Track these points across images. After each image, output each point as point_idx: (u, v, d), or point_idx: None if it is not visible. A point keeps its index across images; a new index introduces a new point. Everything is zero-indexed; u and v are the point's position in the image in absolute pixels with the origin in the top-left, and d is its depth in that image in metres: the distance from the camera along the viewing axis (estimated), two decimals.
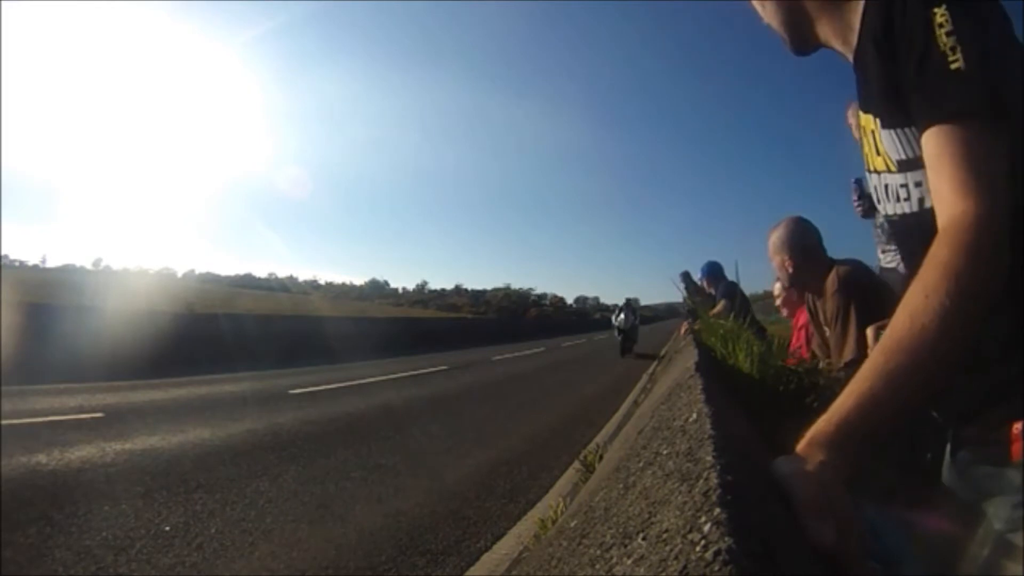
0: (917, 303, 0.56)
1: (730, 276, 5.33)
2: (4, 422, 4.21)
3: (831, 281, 2.10)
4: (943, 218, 0.59)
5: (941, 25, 0.59)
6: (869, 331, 0.83)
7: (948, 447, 0.77)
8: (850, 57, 0.77)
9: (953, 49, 0.58)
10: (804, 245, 2.25)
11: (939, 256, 0.57)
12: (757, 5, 0.89)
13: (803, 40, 0.85)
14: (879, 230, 2.87)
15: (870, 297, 1.97)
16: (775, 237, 2.30)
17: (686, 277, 5.46)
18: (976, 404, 0.68)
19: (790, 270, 2.28)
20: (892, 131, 0.68)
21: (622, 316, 14.19)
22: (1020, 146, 0.61)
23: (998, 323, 0.64)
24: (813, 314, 2.32)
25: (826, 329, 2.17)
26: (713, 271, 5.33)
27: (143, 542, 2.41)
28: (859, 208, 3.06)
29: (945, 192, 0.59)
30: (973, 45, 0.58)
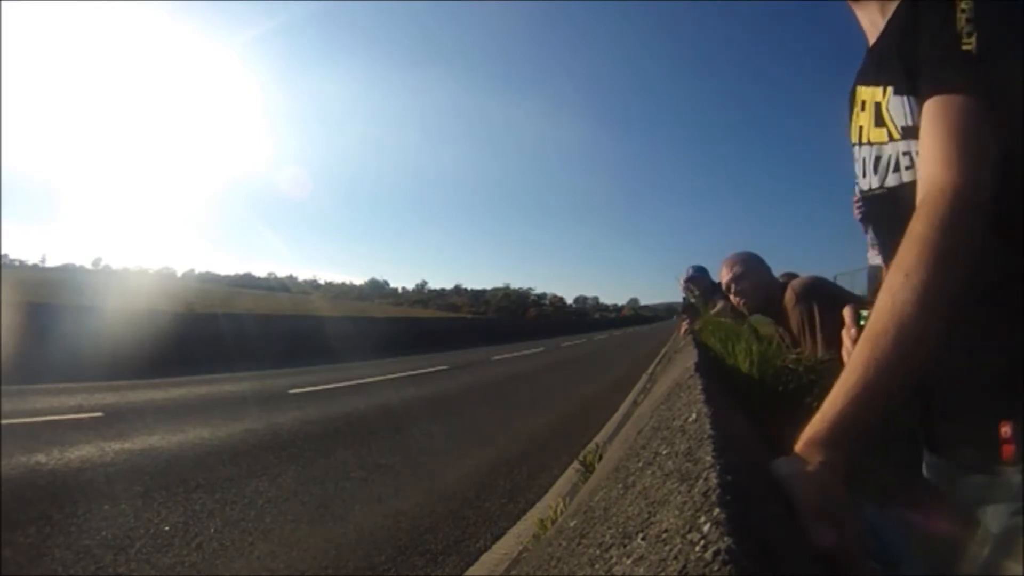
0: (897, 283, 0.56)
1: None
2: (4, 422, 4.21)
3: (788, 296, 2.18)
4: (923, 190, 0.60)
5: (963, 10, 0.61)
6: (846, 311, 0.82)
7: (926, 444, 0.76)
8: (872, 25, 0.78)
9: (969, 33, 0.60)
10: (752, 276, 2.39)
11: (916, 231, 0.57)
12: None
13: None
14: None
15: (829, 300, 2.07)
16: (724, 276, 2.44)
17: (699, 270, 5.42)
18: (960, 401, 0.68)
19: (743, 304, 2.42)
20: (904, 97, 0.69)
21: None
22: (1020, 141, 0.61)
23: (977, 319, 0.64)
24: (782, 336, 2.37)
25: (795, 348, 2.21)
26: (701, 274, 5.32)
27: (142, 542, 2.41)
28: (859, 210, 3.06)
29: (929, 162, 0.60)
30: (988, 33, 0.60)
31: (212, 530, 2.60)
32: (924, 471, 0.77)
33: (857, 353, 0.56)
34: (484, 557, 2.48)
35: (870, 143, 0.77)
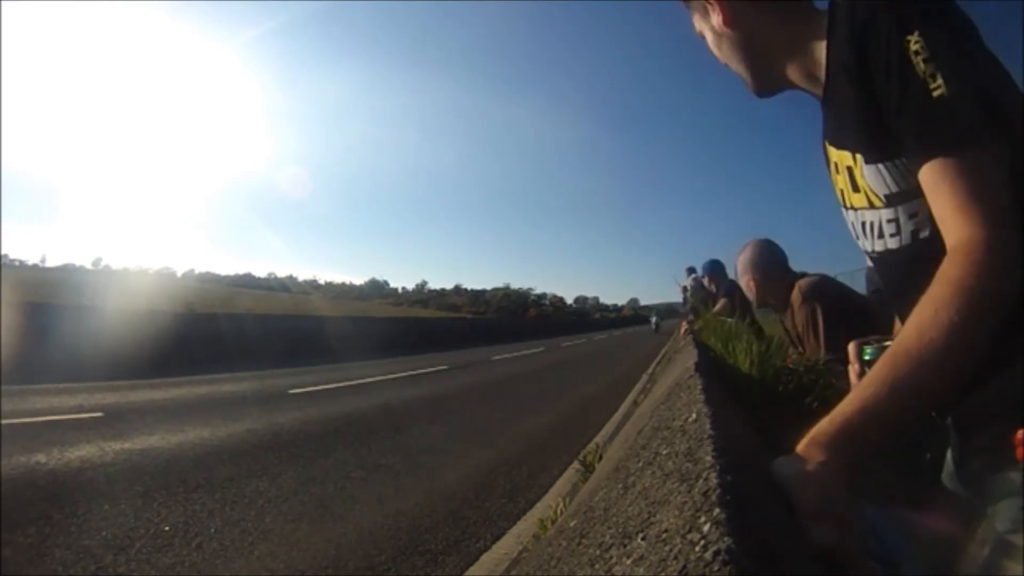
0: (926, 317, 0.56)
1: (731, 276, 5.34)
2: (4, 422, 4.21)
3: (795, 295, 2.22)
4: (951, 242, 0.58)
5: (917, 52, 0.58)
6: (851, 347, 0.83)
7: (950, 453, 0.76)
8: (818, 93, 0.75)
9: (933, 76, 0.57)
10: (765, 266, 2.41)
11: (949, 275, 0.56)
12: (711, 44, 0.84)
13: (765, 80, 0.81)
14: None
15: (835, 303, 2.11)
16: (739, 260, 2.48)
17: (692, 272, 5.45)
18: (981, 411, 0.68)
19: (753, 290, 2.45)
20: (878, 165, 0.66)
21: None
22: (1019, 155, 0.60)
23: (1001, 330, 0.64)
24: (787, 331, 2.40)
25: (798, 346, 2.26)
26: (716, 269, 5.34)
27: (142, 542, 2.41)
28: None
29: (949, 220, 0.59)
30: (952, 68, 0.57)
31: (212, 530, 2.59)
32: (946, 468, 0.77)
33: (876, 369, 0.57)
34: (484, 557, 2.48)
35: (853, 208, 0.75)
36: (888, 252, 0.71)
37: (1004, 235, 0.55)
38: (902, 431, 0.57)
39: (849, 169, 0.71)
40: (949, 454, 0.77)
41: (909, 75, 0.58)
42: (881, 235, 0.70)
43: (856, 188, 0.71)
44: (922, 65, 0.57)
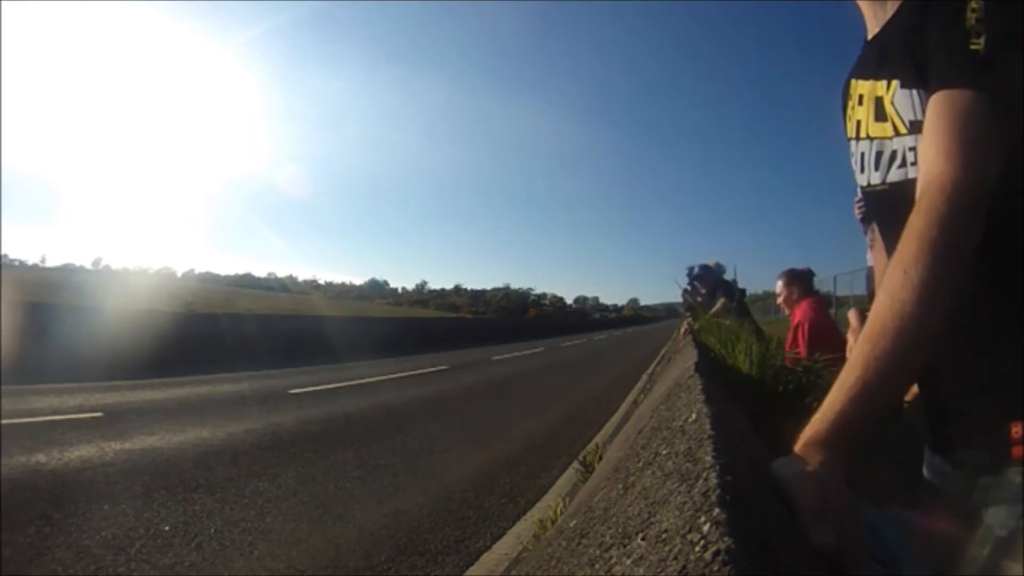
0: (896, 280, 0.56)
1: (729, 278, 5.36)
2: (4, 422, 4.21)
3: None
4: (922, 183, 0.61)
5: (973, 10, 0.62)
6: (850, 313, 0.83)
7: (929, 444, 0.76)
8: (875, 17, 0.79)
9: (978, 33, 0.60)
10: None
11: (915, 227, 0.58)
12: None
13: None
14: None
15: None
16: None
17: (703, 270, 5.42)
18: (968, 402, 0.67)
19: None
20: (912, 91, 0.68)
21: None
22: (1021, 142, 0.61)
23: (987, 318, 0.64)
24: None
25: None
26: (698, 275, 5.33)
27: (142, 542, 2.41)
28: (860, 210, 3.06)
29: (930, 155, 0.61)
30: (997, 35, 0.60)
31: (212, 530, 2.60)
32: (925, 471, 0.76)
33: (857, 352, 0.56)
34: (484, 557, 2.48)
35: (870, 138, 0.76)
36: (904, 182, 0.71)
37: (974, 182, 0.57)
38: (897, 407, 0.57)
39: (879, 99, 0.74)
40: (927, 447, 0.76)
41: (959, 23, 0.62)
42: (903, 163, 0.72)
43: (882, 117, 0.74)
44: (973, 22, 0.61)
